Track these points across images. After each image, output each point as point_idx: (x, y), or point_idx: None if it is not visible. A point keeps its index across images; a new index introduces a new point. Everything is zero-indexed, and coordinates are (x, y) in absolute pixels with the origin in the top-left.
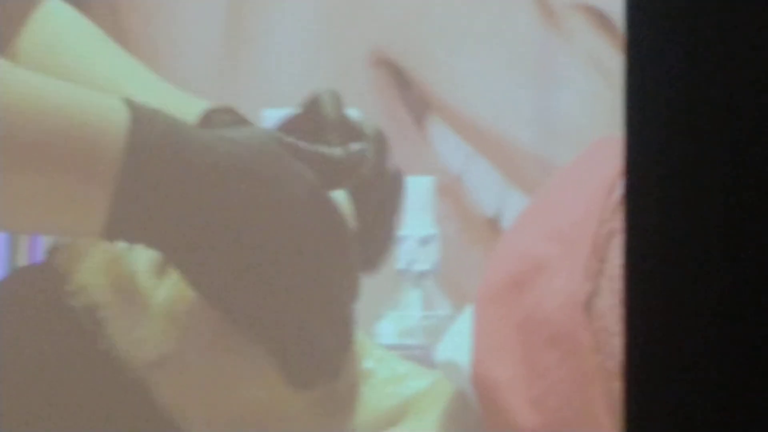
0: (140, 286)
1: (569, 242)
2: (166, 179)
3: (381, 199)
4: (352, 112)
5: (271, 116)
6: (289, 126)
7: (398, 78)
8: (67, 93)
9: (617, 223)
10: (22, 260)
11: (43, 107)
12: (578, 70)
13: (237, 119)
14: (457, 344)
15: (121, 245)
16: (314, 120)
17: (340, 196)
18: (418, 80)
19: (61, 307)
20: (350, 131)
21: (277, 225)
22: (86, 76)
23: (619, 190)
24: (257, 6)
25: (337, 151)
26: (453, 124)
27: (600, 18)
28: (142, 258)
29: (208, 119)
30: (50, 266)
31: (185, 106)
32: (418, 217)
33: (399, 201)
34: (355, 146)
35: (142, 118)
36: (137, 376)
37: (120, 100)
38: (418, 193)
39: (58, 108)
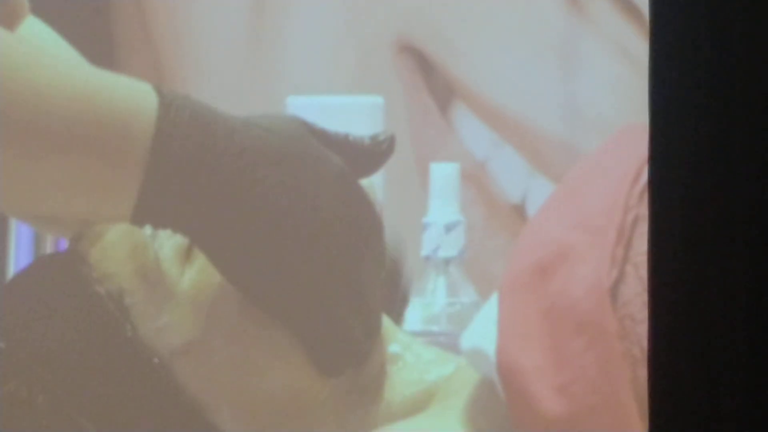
0: (165, 274)
1: (595, 229)
2: (194, 164)
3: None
4: (377, 99)
5: (295, 103)
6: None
7: (423, 64)
8: (96, 78)
9: (643, 209)
10: (48, 247)
11: (72, 92)
12: (603, 56)
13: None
14: (483, 331)
15: (146, 232)
16: None
17: (367, 183)
18: (442, 67)
19: (87, 294)
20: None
21: (304, 210)
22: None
23: (644, 177)
24: None
25: (365, 140)
26: (478, 110)
27: (625, 4)
28: (167, 245)
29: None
30: (75, 253)
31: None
32: (442, 203)
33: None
34: (382, 135)
35: (170, 102)
36: (162, 363)
37: (149, 85)
38: (443, 180)
39: (87, 93)
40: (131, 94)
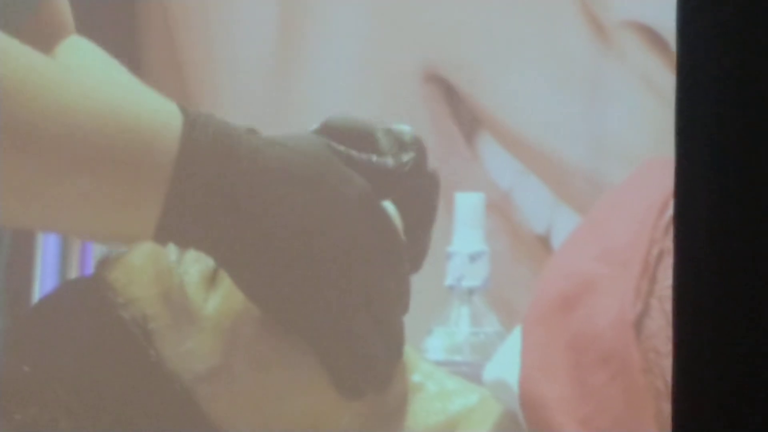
0: (189, 299)
1: (620, 262)
2: (218, 183)
3: (420, 201)
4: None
5: None
6: (339, 136)
7: (449, 94)
8: (122, 95)
9: (668, 243)
10: (73, 272)
11: (97, 109)
12: (629, 88)
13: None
14: (507, 363)
15: (171, 257)
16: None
17: (390, 206)
18: (468, 96)
19: (111, 319)
20: (393, 141)
21: (328, 231)
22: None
23: (669, 210)
24: (309, 21)
25: (388, 161)
26: (503, 140)
27: (652, 36)
28: (191, 271)
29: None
30: (100, 278)
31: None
32: (467, 233)
33: (436, 201)
34: (405, 156)
35: (194, 121)
36: (186, 388)
37: (173, 104)
38: (468, 210)
39: (112, 110)
40: (156, 113)
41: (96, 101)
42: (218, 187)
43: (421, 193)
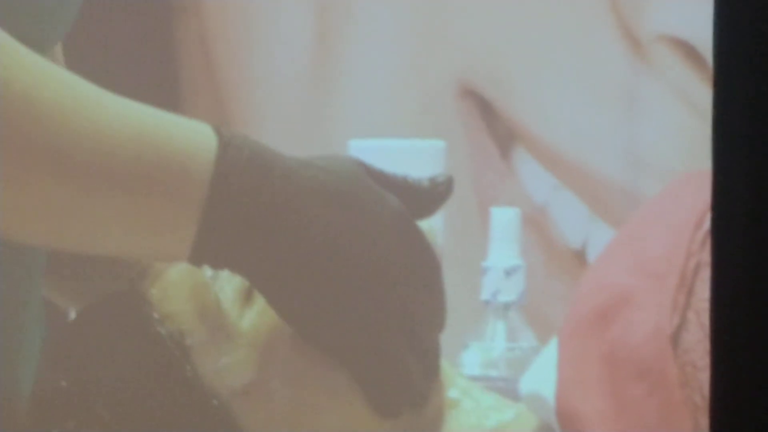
0: (225, 315)
1: (656, 275)
2: (252, 204)
3: None
4: (438, 143)
5: (357, 146)
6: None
7: (484, 108)
8: (156, 118)
9: (705, 256)
10: None
11: (132, 132)
12: (665, 102)
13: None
14: (542, 376)
15: (206, 273)
16: None
17: (427, 227)
18: (503, 110)
19: (148, 334)
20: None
21: (363, 251)
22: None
23: (706, 223)
24: (345, 37)
25: (423, 181)
26: (538, 155)
27: (688, 50)
28: (227, 286)
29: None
30: (137, 293)
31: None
32: (503, 247)
33: None
34: (440, 177)
35: (228, 142)
36: (222, 404)
37: (207, 126)
38: (504, 224)
39: (147, 132)
40: (190, 135)
41: (130, 122)
42: (252, 208)
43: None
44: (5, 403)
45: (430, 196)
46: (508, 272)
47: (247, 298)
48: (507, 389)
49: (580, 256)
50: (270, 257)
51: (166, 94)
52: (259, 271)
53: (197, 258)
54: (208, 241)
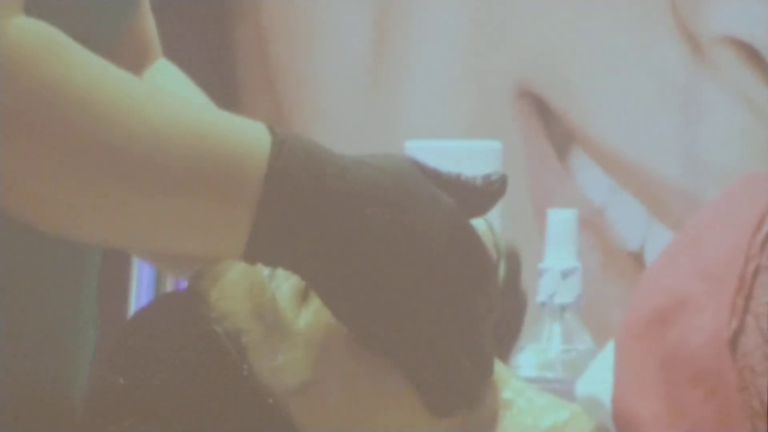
0: (281, 314)
1: (715, 279)
2: (306, 203)
3: (508, 317)
4: (495, 144)
5: (413, 147)
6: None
7: (541, 110)
8: (211, 117)
9: (764, 260)
10: (168, 285)
11: (187, 131)
12: (726, 105)
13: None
14: (599, 379)
15: (263, 272)
16: None
17: (480, 222)
18: (561, 112)
19: (205, 333)
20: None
21: (417, 251)
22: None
23: (766, 226)
24: (402, 37)
25: (477, 179)
26: (596, 156)
27: (748, 51)
28: (284, 286)
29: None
30: (195, 292)
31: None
32: (560, 249)
33: (521, 322)
34: (494, 175)
35: (283, 141)
36: (277, 403)
37: (262, 125)
38: (561, 226)
39: (202, 132)
40: (245, 133)
41: (187, 121)
42: (307, 207)
43: (509, 310)
44: (61, 402)
45: (484, 194)
46: (565, 274)
47: (303, 297)
48: (563, 391)
49: (637, 258)
50: (324, 256)
51: (224, 94)
52: (314, 270)
53: (251, 256)
54: (263, 239)
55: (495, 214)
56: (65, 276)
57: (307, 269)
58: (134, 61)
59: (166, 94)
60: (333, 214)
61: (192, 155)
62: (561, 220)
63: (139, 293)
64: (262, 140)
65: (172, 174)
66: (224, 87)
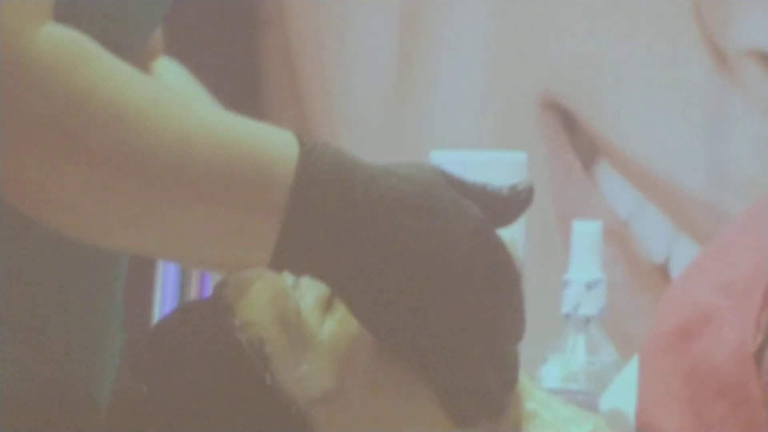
0: (306, 323)
1: (740, 294)
2: (333, 211)
3: None
4: (520, 155)
5: (438, 157)
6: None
7: (567, 121)
8: (240, 125)
9: None
10: (192, 294)
11: (217, 139)
12: (751, 117)
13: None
14: (623, 393)
15: (287, 281)
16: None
17: (507, 234)
18: (586, 124)
19: (228, 342)
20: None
21: (443, 260)
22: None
23: None
24: (428, 48)
25: (503, 190)
26: (622, 168)
27: None
28: (307, 295)
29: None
30: (218, 300)
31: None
32: (585, 261)
33: None
34: (521, 185)
35: (311, 150)
36: (301, 412)
37: (290, 133)
38: (586, 237)
39: (231, 140)
40: (272, 141)
41: (214, 129)
42: (333, 215)
43: None
44: (89, 407)
45: (511, 204)
46: (590, 286)
47: (327, 306)
48: (587, 403)
49: (662, 271)
50: (351, 264)
51: (250, 104)
52: (340, 278)
53: (278, 263)
54: (289, 248)
55: (520, 225)
56: (93, 280)
57: (333, 277)
58: (142, 58)
59: (194, 101)
60: (360, 222)
61: (221, 163)
62: (586, 231)
63: (163, 300)
64: (289, 148)
65: (200, 182)
66: (250, 97)
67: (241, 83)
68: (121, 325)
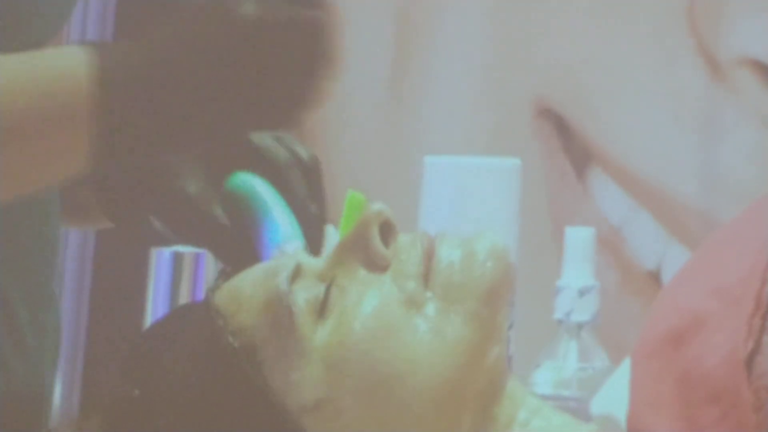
0: (299, 328)
1: (731, 299)
2: (137, 90)
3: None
4: (514, 161)
5: (432, 163)
6: None
7: (561, 128)
8: (29, 62)
9: None
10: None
11: (17, 86)
12: (744, 125)
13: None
14: (614, 397)
15: (280, 286)
16: None
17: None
18: (580, 130)
19: (220, 347)
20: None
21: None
22: None
23: None
24: (422, 54)
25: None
26: (615, 175)
27: (767, 73)
28: (300, 301)
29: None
30: (210, 305)
31: None
32: (577, 267)
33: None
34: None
35: (98, 52)
36: (292, 419)
37: (74, 46)
38: (579, 244)
39: (28, 80)
40: (59, 58)
41: (13, 80)
42: (138, 94)
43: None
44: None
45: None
46: (582, 292)
47: (320, 313)
48: (579, 409)
49: (654, 277)
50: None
51: None
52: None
53: (96, 162)
54: (103, 146)
55: (513, 231)
56: (21, 266)
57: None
58: None
59: None
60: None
61: (27, 105)
62: (579, 238)
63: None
64: (81, 60)
65: (15, 128)
66: None
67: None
68: (57, 311)
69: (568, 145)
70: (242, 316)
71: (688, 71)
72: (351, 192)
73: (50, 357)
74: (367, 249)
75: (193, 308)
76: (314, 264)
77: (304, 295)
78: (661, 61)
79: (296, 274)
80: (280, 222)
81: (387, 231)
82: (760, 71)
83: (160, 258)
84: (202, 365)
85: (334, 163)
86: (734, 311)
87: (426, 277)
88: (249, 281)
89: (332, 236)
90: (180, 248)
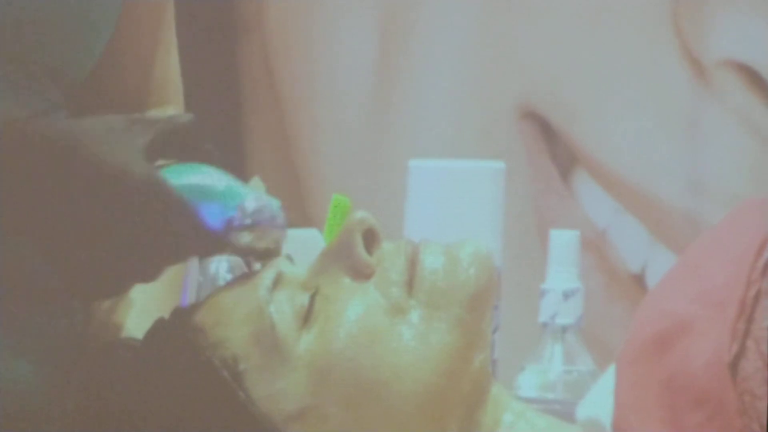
0: (281, 339)
1: (716, 303)
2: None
3: None
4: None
5: (417, 166)
6: None
7: (545, 131)
8: None
9: (765, 284)
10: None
11: None
12: (728, 128)
13: None
14: (600, 402)
15: (261, 297)
16: None
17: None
18: (565, 134)
19: (199, 361)
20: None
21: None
22: None
23: (767, 251)
24: (406, 57)
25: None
26: (600, 178)
27: (751, 75)
28: (283, 309)
29: None
30: (189, 320)
31: None
32: (562, 270)
33: None
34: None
35: None
36: (277, 428)
37: None
38: (563, 247)
39: None
40: None
41: None
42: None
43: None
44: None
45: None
46: (567, 295)
47: (304, 321)
48: (563, 412)
49: (639, 281)
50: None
51: (228, 112)
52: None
53: None
54: None
55: (498, 234)
56: None
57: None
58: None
59: None
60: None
61: None
62: (563, 241)
63: None
64: None
65: None
66: (229, 104)
67: (220, 90)
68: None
69: (553, 148)
70: (221, 329)
71: (673, 74)
72: (336, 195)
73: (50, 357)
74: (351, 257)
75: (173, 323)
76: (297, 273)
77: (287, 304)
78: (645, 64)
79: (277, 282)
80: (221, 189)
81: (370, 239)
82: (745, 74)
83: None
84: (182, 380)
85: (319, 166)
86: (719, 316)
87: (410, 284)
88: (228, 293)
89: (317, 240)
90: None
